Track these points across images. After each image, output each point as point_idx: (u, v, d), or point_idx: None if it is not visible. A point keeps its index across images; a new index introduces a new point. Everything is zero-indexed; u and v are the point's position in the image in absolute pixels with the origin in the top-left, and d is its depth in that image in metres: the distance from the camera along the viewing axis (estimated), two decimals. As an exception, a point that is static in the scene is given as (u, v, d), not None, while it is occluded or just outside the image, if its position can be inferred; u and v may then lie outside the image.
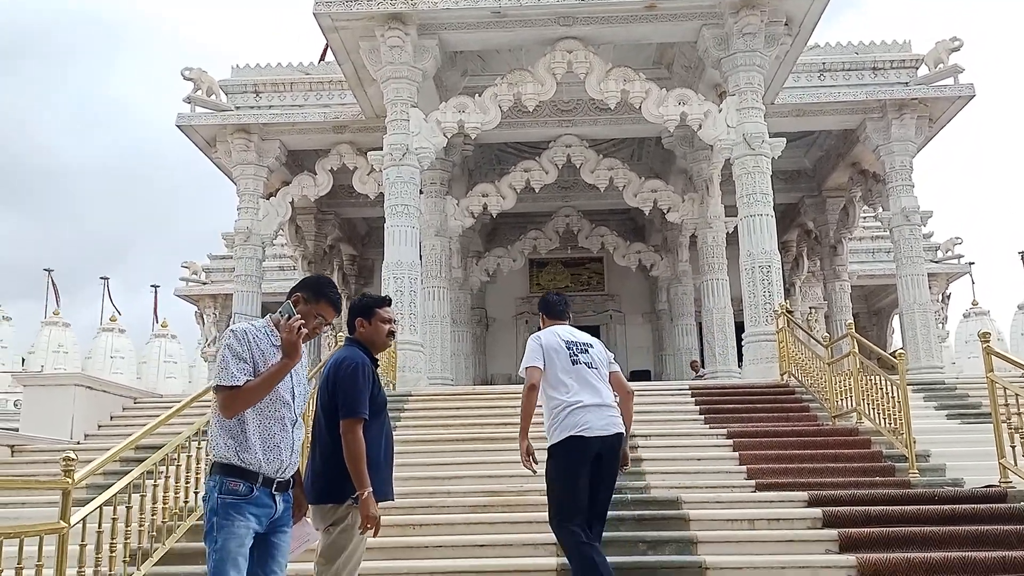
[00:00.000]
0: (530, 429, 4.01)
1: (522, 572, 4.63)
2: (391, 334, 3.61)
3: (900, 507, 5.19)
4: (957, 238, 22.83)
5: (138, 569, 4.50)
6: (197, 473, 5.37)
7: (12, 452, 8.16)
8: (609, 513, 5.25)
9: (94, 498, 4.34)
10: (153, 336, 46.31)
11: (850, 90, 14.14)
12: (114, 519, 4.26)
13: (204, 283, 24.28)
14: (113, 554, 4.25)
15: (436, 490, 5.97)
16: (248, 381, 2.88)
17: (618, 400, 4.06)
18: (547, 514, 4.01)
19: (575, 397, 3.97)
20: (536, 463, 3.99)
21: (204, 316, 24.94)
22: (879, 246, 22.08)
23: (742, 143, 11.74)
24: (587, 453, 3.89)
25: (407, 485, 6.48)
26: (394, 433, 8.29)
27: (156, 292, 45.20)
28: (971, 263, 23.90)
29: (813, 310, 19.81)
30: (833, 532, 4.91)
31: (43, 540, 3.66)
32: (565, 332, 4.20)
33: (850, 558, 4.60)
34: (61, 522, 3.79)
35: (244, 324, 3.06)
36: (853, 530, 4.90)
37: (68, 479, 3.84)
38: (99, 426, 9.45)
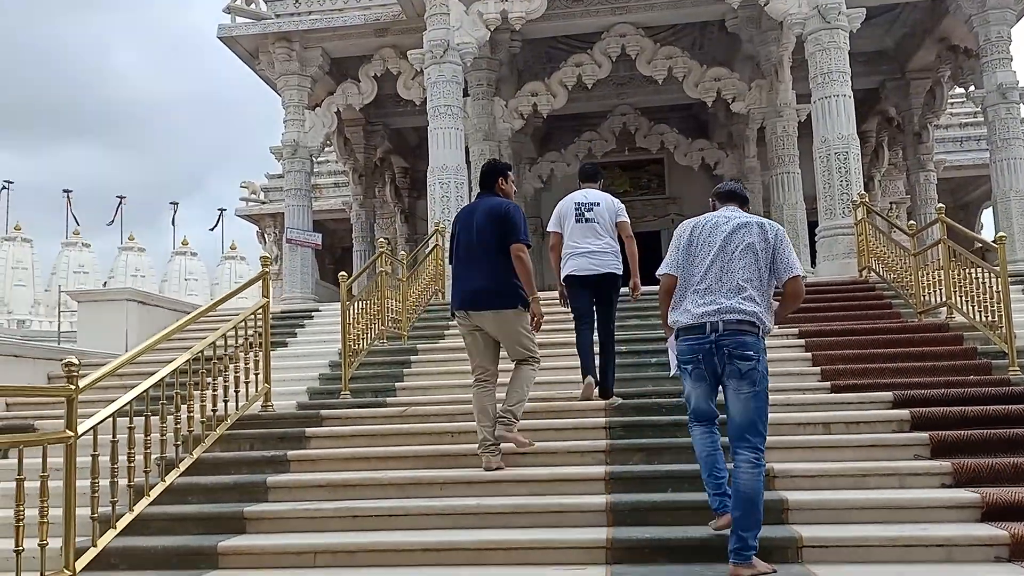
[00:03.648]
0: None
1: (568, 481, 4.24)
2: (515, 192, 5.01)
3: (1003, 406, 4.55)
4: (1058, 121, 20.77)
5: (163, 480, 4.30)
6: (225, 382, 5.12)
7: (66, 368, 8.18)
8: (666, 418, 4.91)
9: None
10: (223, 258, 47.34)
11: (942, -49, 12.58)
12: (130, 428, 4.01)
13: (263, 202, 24.27)
14: (132, 464, 4.02)
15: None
16: None
17: None
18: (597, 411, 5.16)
19: (573, 248, 5.36)
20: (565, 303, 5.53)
21: (265, 235, 25.05)
22: (967, 134, 20.33)
23: (816, 16, 10.59)
24: (576, 287, 5.39)
25: (451, 392, 6.17)
26: (441, 342, 7.95)
27: (222, 215, 45.78)
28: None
29: (894, 206, 18.49)
30: (923, 435, 4.32)
31: (46, 450, 3.41)
32: (580, 195, 5.45)
33: (944, 464, 4.02)
34: (67, 431, 3.54)
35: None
36: (947, 432, 4.30)
37: (71, 386, 3.57)
38: (153, 341, 9.45)
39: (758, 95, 13.63)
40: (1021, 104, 13.01)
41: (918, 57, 15.69)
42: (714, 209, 3.76)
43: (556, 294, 5.70)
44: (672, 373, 3.78)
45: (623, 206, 5.53)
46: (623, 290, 5.57)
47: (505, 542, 3.71)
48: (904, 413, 4.63)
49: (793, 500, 3.83)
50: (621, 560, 3.53)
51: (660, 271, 3.67)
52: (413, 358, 7.22)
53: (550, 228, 5.53)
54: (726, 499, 3.49)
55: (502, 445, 4.49)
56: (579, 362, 5.52)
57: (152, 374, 4.38)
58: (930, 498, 3.79)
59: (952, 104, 17.52)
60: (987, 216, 21.76)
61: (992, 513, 3.59)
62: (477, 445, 4.47)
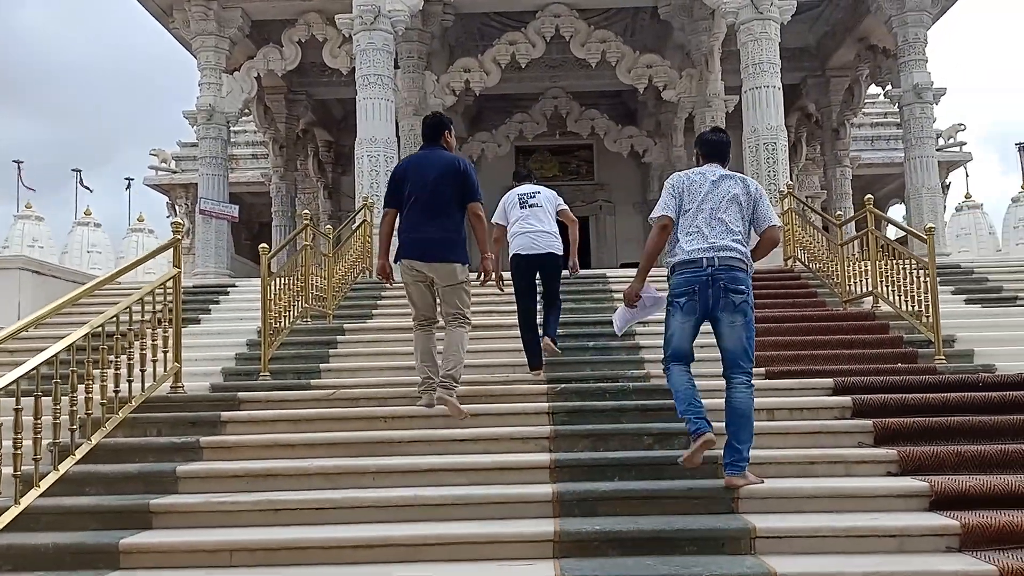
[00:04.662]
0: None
1: (512, 469, 4.01)
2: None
3: (942, 395, 4.58)
4: (960, 125, 21.83)
5: (55, 468, 3.83)
6: (130, 360, 4.64)
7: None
8: (610, 403, 4.76)
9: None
10: (130, 231, 44.78)
11: (865, -48, 12.88)
12: (17, 409, 3.53)
13: (175, 172, 22.95)
14: (19, 451, 3.54)
15: (412, 380, 5.29)
16: None
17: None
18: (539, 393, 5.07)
19: (518, 230, 5.77)
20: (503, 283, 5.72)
21: (176, 207, 23.74)
22: (878, 133, 21.14)
23: (749, 6, 10.66)
24: (520, 264, 5.73)
25: (381, 375, 5.86)
26: (370, 321, 7.66)
27: (130, 184, 43.36)
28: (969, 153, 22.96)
29: (810, 199, 19.02)
30: (867, 422, 4.30)
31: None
32: (522, 189, 5.98)
33: (890, 451, 3.99)
34: (-62, 415, 3.06)
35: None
36: (890, 420, 4.29)
37: (-55, 364, 3.08)
38: (49, 315, 8.69)
39: (688, 84, 13.70)
40: (934, 104, 13.53)
41: (838, 55, 16.12)
42: (698, 164, 4.03)
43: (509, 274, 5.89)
44: (619, 333, 4.16)
45: (560, 196, 6.12)
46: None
47: (445, 536, 3.44)
48: (846, 400, 4.61)
49: (744, 489, 3.71)
50: (570, 553, 3.33)
51: (655, 214, 3.86)
52: (340, 338, 6.83)
53: (495, 220, 5.85)
54: (705, 423, 3.67)
55: (436, 408, 4.58)
56: (517, 344, 5.75)
57: (46, 350, 3.89)
58: (879, 487, 3.74)
59: (865, 104, 18.16)
60: (893, 213, 22.73)
61: (940, 502, 3.56)
62: (418, 386, 4.76)
